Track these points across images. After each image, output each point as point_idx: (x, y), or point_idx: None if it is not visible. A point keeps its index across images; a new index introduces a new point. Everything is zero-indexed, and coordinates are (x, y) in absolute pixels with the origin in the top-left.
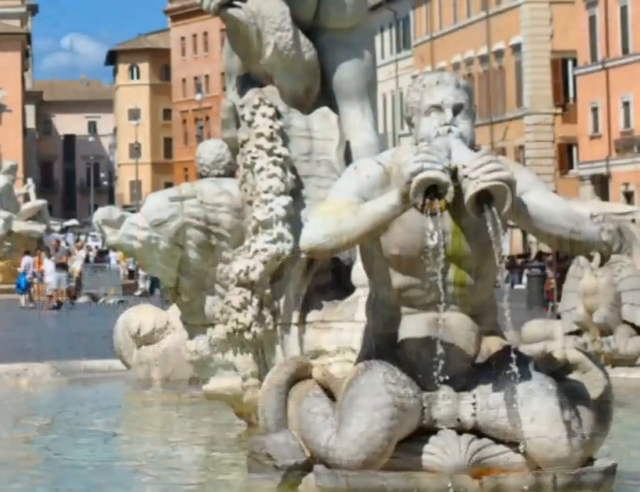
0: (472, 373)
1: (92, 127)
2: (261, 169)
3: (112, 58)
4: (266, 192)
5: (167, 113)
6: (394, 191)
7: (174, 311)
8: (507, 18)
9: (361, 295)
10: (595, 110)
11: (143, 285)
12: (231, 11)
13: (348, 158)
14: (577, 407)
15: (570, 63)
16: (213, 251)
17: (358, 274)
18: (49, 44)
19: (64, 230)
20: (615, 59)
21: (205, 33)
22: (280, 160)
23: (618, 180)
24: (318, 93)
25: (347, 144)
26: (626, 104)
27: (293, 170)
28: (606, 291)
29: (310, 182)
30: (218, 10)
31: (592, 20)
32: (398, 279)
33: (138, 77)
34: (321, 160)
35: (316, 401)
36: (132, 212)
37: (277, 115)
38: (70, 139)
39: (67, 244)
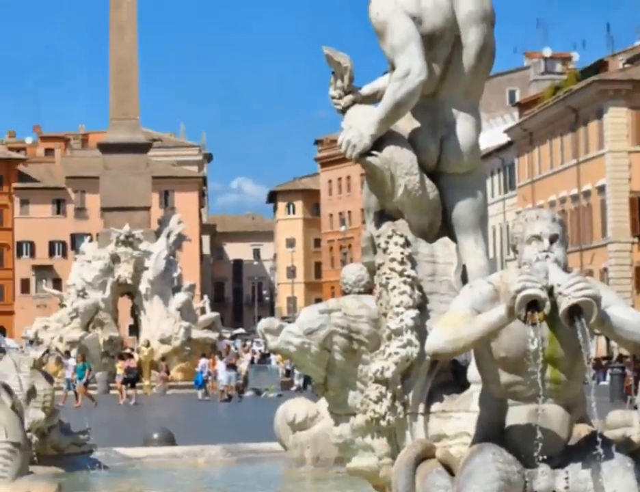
0: (565, 453)
1: (256, 253)
2: (394, 288)
3: (272, 197)
4: (397, 306)
5: (317, 242)
6: (502, 305)
7: (322, 403)
8: (594, 164)
9: (475, 390)
10: None
11: (298, 382)
12: (369, 159)
13: (464, 279)
14: None
15: None
16: (355, 354)
17: (473, 372)
18: (221, 185)
19: (234, 337)
20: None
21: (348, 177)
22: (409, 280)
23: None
24: (440, 225)
25: (464, 267)
26: None
27: (420, 288)
28: None
29: (434, 298)
30: (358, 158)
31: None
32: (505, 377)
33: (294, 213)
34: (442, 280)
35: (439, 477)
36: (289, 322)
37: (407, 244)
38: (238, 263)
39: (236, 348)
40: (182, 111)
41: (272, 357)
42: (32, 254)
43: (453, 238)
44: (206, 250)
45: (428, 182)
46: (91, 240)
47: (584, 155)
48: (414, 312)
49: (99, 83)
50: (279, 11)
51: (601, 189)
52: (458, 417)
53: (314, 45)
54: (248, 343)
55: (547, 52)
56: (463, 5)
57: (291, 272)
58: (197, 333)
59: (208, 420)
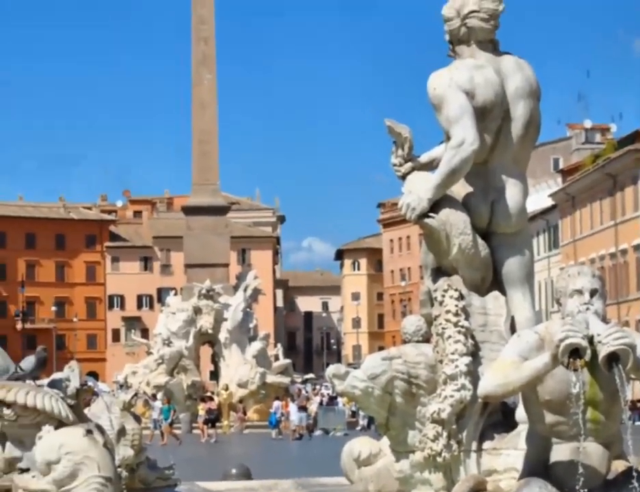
0: (604, 487)
1: (325, 306)
2: (449, 337)
3: (339, 255)
4: (452, 353)
5: (380, 296)
6: (547, 353)
7: (385, 441)
8: (630, 225)
9: (522, 429)
10: None
11: (363, 422)
12: (427, 220)
13: (513, 329)
14: None
15: None
16: (414, 397)
17: (520, 413)
18: (293, 244)
19: (304, 382)
20: None
21: (408, 237)
22: (463, 330)
23: None
24: (491, 280)
25: (512, 319)
26: None
27: (473, 337)
28: None
29: (485, 347)
30: (417, 220)
31: None
32: (549, 418)
33: (358, 269)
34: (493, 330)
35: None
36: (355, 368)
37: (461, 297)
38: (308, 315)
39: (306, 392)
40: (258, 176)
41: (339, 399)
42: (122, 307)
43: (503, 292)
44: (280, 303)
45: (480, 241)
46: (175, 294)
47: (621, 217)
48: (467, 359)
49: (182, 152)
50: (347, 90)
51: (636, 248)
52: (507, 454)
53: (377, 118)
54: (317, 387)
55: (587, 124)
56: (512, 82)
57: (356, 323)
58: (271, 378)
59: (281, 457)
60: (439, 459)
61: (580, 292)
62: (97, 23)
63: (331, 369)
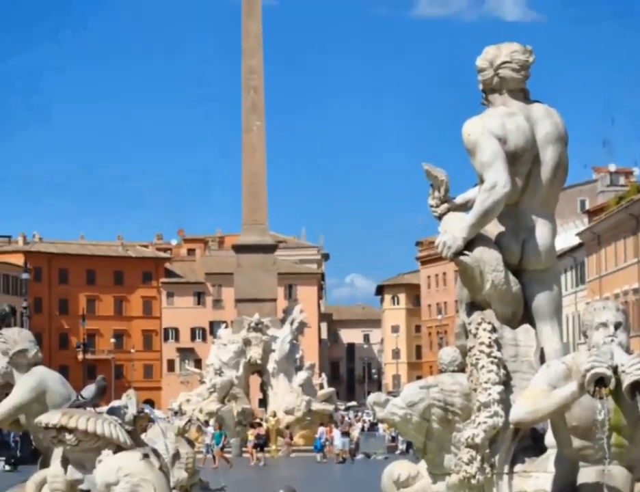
0: None
1: (366, 338)
2: (482, 367)
3: (380, 290)
4: (486, 382)
5: (418, 328)
6: (574, 382)
7: (422, 465)
8: None
9: (551, 453)
10: None
11: (402, 446)
12: (462, 258)
13: (542, 360)
14: None
15: None
16: (450, 424)
17: (549, 438)
18: (336, 280)
19: (347, 409)
20: None
21: (444, 273)
22: (496, 360)
23: None
24: (522, 314)
25: (542, 350)
26: None
27: (505, 367)
28: None
29: (516, 376)
30: (453, 257)
31: None
32: (576, 442)
33: (398, 303)
34: (523, 360)
35: None
36: (394, 396)
37: (494, 330)
38: (351, 346)
39: (349, 418)
40: (304, 217)
41: (380, 425)
42: (177, 338)
43: (533, 325)
44: (324, 335)
45: (511, 277)
46: (226, 327)
47: None
48: (499, 388)
49: (233, 194)
50: (389, 135)
51: None
52: (537, 477)
53: (415, 161)
54: (359, 414)
55: (612, 167)
56: (541, 128)
57: (396, 354)
58: (316, 406)
59: (325, 479)
60: (473, 481)
61: (605, 325)
62: (154, 72)
63: (372, 397)
